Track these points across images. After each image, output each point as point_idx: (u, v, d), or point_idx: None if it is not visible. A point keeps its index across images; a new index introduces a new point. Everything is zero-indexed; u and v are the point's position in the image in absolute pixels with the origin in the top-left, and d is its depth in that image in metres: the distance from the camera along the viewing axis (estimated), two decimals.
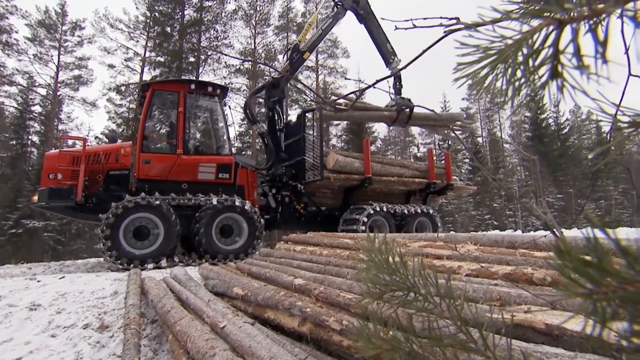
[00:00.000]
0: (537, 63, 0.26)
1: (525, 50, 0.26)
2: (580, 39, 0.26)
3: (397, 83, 7.22)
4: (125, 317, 2.53)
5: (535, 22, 0.26)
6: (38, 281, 3.65)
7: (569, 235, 1.83)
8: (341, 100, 7.39)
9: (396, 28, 0.71)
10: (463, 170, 28.09)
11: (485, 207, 28.28)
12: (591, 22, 0.25)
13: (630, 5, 0.25)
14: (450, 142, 28.09)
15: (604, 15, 0.25)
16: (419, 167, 7.48)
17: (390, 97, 7.11)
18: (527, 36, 0.26)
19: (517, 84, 0.27)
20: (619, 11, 0.25)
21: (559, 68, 0.26)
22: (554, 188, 30.27)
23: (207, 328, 1.97)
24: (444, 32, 0.40)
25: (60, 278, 3.87)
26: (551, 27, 0.26)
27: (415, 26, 0.64)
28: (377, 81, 0.84)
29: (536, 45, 0.26)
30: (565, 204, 30.01)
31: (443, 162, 8.03)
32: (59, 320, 2.67)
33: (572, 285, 0.22)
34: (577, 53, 0.25)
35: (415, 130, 35.57)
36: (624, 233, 7.52)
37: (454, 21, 0.47)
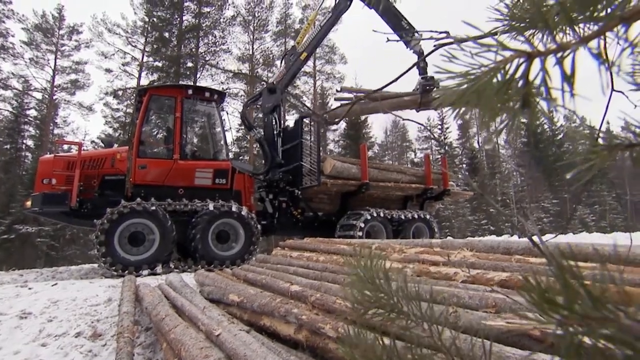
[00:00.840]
0: (509, 92, 0.27)
1: (499, 78, 0.27)
2: (549, 71, 0.27)
3: (421, 62, 6.15)
4: (118, 325, 2.49)
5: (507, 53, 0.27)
6: (29, 288, 3.60)
7: (554, 243, 1.83)
8: (347, 95, 7.07)
9: (388, 40, 0.72)
10: (460, 176, 28.26)
11: (482, 212, 28.40)
12: (558, 55, 0.26)
13: (593, 42, 0.26)
14: (447, 148, 28.26)
15: (569, 50, 0.26)
16: (416, 173, 7.52)
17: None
18: (499, 66, 0.27)
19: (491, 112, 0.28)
20: (583, 47, 0.26)
21: (530, 98, 0.27)
22: (550, 193, 30.51)
23: (202, 336, 1.94)
24: (434, 45, 0.41)
25: (52, 285, 3.81)
26: (521, 59, 0.27)
27: (402, 38, 0.65)
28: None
29: (508, 76, 0.27)
30: (560, 209, 30.22)
31: (440, 167, 8.06)
32: (50, 329, 2.62)
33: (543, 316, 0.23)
34: (545, 85, 0.26)
35: (412, 135, 35.81)
36: (618, 238, 7.58)
37: (444, 35, 0.48)
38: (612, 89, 0.40)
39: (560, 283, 0.23)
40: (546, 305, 0.23)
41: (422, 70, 6.19)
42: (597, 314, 0.21)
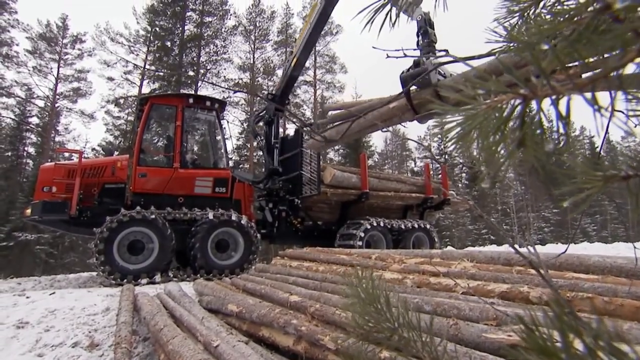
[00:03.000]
0: (505, 132, 0.28)
1: (497, 115, 0.28)
2: (545, 111, 0.28)
3: (423, 35, 3.48)
4: (116, 335, 2.47)
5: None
6: (27, 297, 3.57)
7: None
8: (340, 112, 6.97)
9: (387, 57, 0.74)
10: (460, 185, 28.27)
11: (482, 222, 28.29)
12: (554, 98, 0.27)
13: (588, 90, 0.27)
14: (446, 157, 28.33)
15: (564, 95, 0.27)
16: (416, 182, 7.53)
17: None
18: (496, 105, 0.28)
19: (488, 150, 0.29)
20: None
21: (526, 138, 0.28)
22: (550, 202, 30.47)
23: (200, 347, 1.93)
24: (434, 64, 0.42)
25: (50, 294, 3.78)
26: (518, 100, 0.28)
27: (406, 55, 0.67)
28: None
29: (504, 115, 0.28)
30: (561, 218, 30.15)
31: (440, 176, 8.08)
32: (47, 339, 2.60)
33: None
34: (540, 126, 0.27)
35: (412, 144, 35.91)
36: (620, 249, 7.55)
37: (443, 53, 0.49)
38: (612, 109, 0.41)
39: (562, 338, 0.23)
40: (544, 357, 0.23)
41: (427, 46, 3.51)
42: None
